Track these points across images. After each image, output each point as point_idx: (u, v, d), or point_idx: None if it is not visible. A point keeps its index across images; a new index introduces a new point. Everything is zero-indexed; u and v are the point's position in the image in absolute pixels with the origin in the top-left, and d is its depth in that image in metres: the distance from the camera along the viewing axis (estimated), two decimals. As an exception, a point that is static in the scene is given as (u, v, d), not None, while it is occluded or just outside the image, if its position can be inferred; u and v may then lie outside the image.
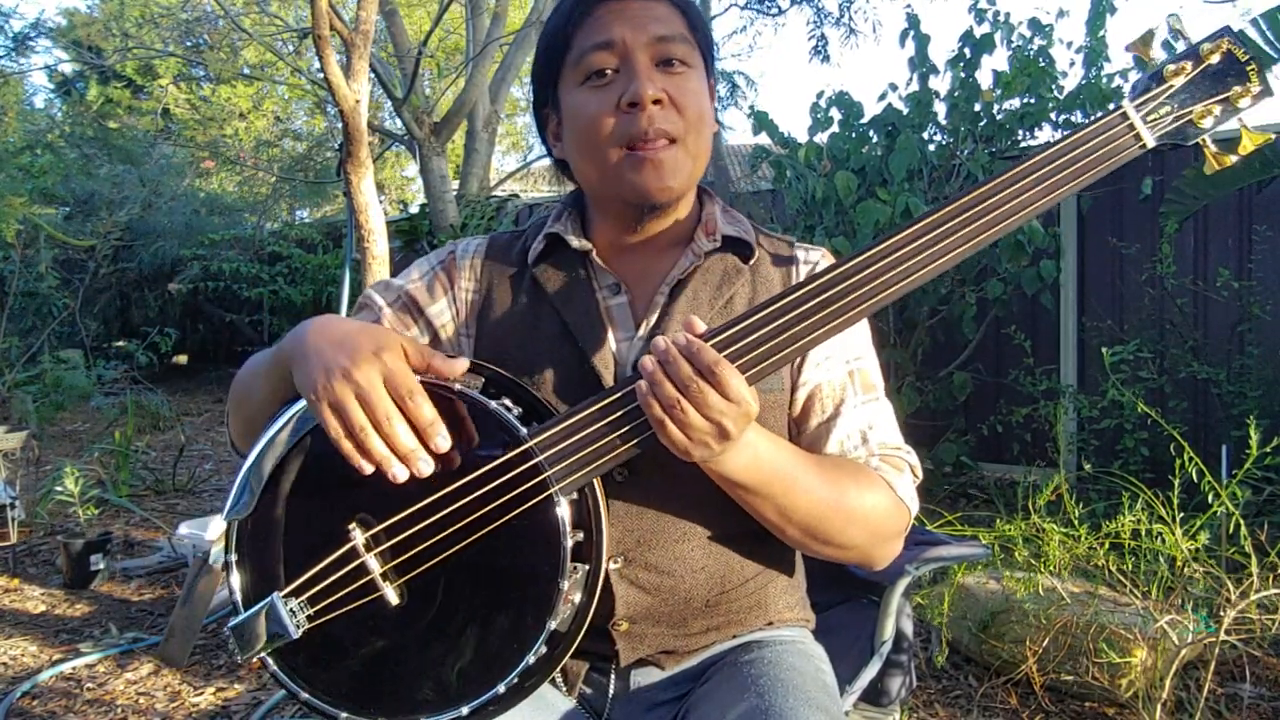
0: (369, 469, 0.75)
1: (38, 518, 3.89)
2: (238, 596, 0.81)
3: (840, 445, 0.94)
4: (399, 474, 0.76)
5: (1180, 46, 0.84)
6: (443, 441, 0.77)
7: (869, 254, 0.79)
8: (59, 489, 3.42)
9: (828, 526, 0.85)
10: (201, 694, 2.35)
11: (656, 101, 0.85)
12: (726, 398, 0.73)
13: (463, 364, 0.82)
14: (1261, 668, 2.28)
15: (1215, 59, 0.80)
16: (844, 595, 1.33)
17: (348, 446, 0.75)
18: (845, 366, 0.96)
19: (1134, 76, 3.89)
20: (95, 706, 2.29)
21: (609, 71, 0.87)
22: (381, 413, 0.75)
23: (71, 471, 3.38)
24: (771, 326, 0.78)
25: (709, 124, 0.92)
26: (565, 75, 0.91)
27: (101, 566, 3.23)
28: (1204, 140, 0.82)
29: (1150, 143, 0.80)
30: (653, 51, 0.87)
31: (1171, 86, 0.80)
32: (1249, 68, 0.80)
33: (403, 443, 0.75)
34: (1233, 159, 0.83)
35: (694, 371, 0.73)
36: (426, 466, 0.76)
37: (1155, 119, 0.80)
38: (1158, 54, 0.84)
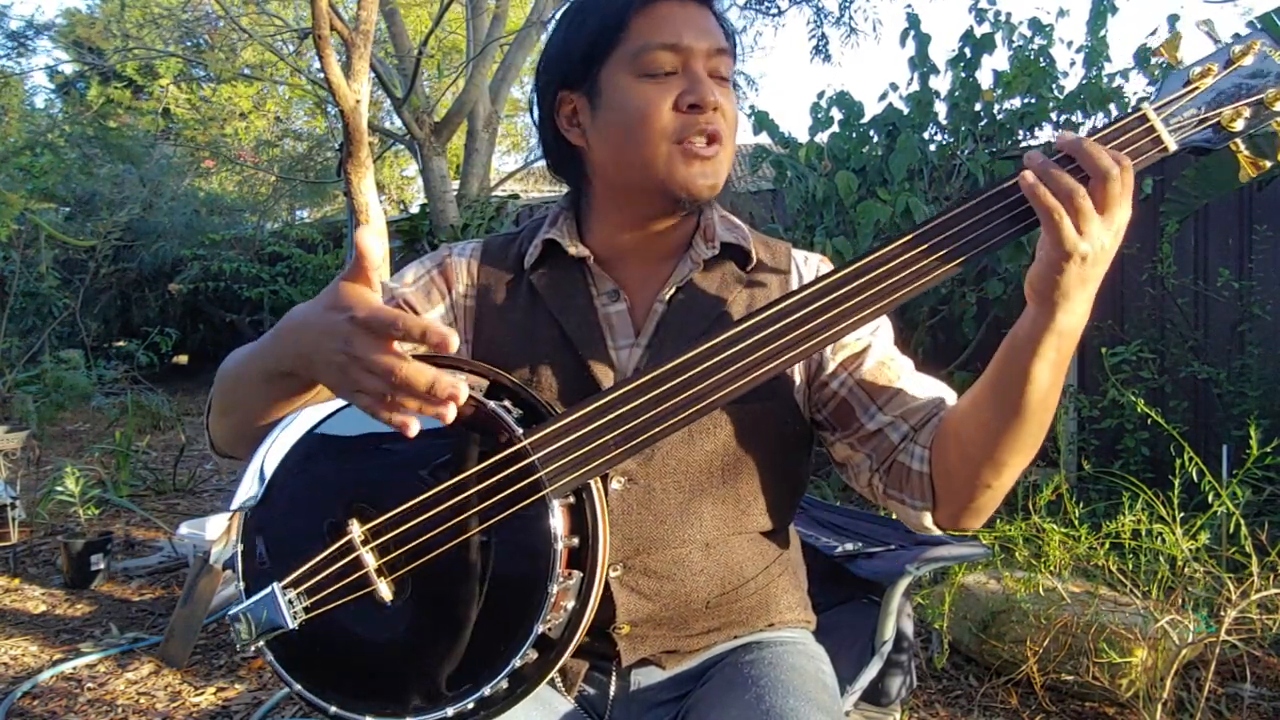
0: (415, 428, 0.71)
1: (38, 518, 3.89)
2: (242, 585, 0.81)
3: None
4: (447, 414, 0.70)
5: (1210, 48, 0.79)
6: (454, 341, 0.68)
7: (875, 256, 0.76)
8: (59, 489, 3.42)
9: (1049, 417, 0.81)
10: (202, 694, 2.35)
11: (716, 108, 0.88)
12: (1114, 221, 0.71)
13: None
14: (1262, 668, 2.28)
15: (1248, 60, 0.76)
16: (844, 595, 1.33)
17: (388, 418, 0.70)
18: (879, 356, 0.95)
19: (1135, 76, 3.89)
20: (96, 706, 2.29)
21: (667, 69, 0.88)
22: (384, 368, 0.68)
23: (72, 471, 3.38)
24: (787, 321, 0.77)
25: None
26: (618, 61, 0.89)
27: (102, 566, 3.23)
28: (1236, 144, 0.78)
29: (1172, 147, 0.75)
30: (708, 63, 0.89)
31: (1197, 89, 0.76)
32: None
33: (423, 379, 0.68)
34: (1269, 164, 0.78)
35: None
36: (462, 390, 0.70)
37: (1179, 122, 0.76)
38: (1185, 56, 0.80)
